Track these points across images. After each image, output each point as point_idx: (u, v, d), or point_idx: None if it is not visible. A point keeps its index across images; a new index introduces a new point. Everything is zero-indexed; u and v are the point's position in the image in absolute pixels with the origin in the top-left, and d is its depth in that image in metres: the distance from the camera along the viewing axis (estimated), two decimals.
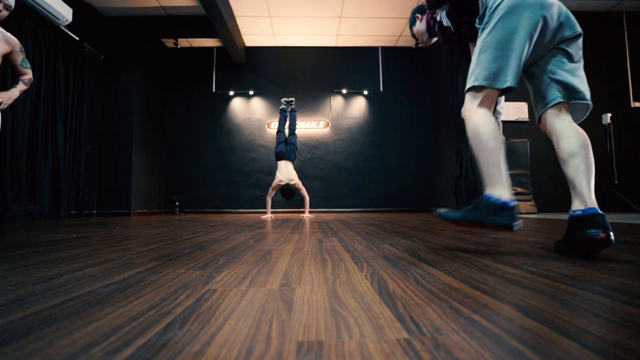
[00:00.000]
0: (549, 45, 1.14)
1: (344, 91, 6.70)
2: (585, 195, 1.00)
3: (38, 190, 4.12)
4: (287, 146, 4.54)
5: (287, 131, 4.68)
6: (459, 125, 5.28)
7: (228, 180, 6.50)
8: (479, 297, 0.58)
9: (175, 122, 6.64)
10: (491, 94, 1.14)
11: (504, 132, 5.32)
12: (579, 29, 1.14)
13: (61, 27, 4.45)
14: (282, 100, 4.92)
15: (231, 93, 6.63)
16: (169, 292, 0.63)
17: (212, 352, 0.37)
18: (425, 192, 6.59)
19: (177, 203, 6.11)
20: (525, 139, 5.15)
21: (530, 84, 1.22)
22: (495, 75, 1.10)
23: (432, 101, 6.68)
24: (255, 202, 6.44)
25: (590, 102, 1.12)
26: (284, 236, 1.78)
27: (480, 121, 1.13)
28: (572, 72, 1.12)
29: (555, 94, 1.11)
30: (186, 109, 6.65)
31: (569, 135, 1.07)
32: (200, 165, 6.53)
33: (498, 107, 1.30)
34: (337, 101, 6.73)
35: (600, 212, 0.97)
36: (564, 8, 1.15)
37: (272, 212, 4.52)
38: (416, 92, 6.78)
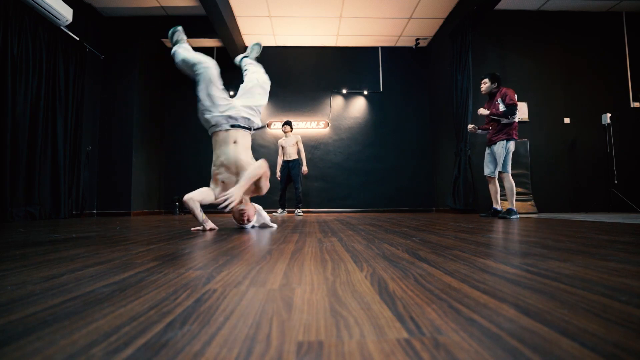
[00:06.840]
0: None
1: (344, 91, 6.70)
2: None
3: (38, 190, 4.11)
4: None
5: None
6: (458, 124, 5.28)
7: None
8: (479, 297, 0.58)
9: (175, 122, 6.63)
10: None
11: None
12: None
13: (61, 27, 4.45)
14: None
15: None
16: (169, 292, 0.63)
17: (212, 352, 0.37)
18: (425, 192, 6.59)
19: (177, 203, 6.11)
20: (525, 139, 5.15)
21: None
22: None
23: (432, 101, 6.69)
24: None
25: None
26: (283, 236, 1.78)
27: None
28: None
29: None
30: (186, 109, 6.64)
31: None
32: (200, 165, 6.53)
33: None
34: (337, 101, 6.73)
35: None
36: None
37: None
38: (416, 92, 6.78)
